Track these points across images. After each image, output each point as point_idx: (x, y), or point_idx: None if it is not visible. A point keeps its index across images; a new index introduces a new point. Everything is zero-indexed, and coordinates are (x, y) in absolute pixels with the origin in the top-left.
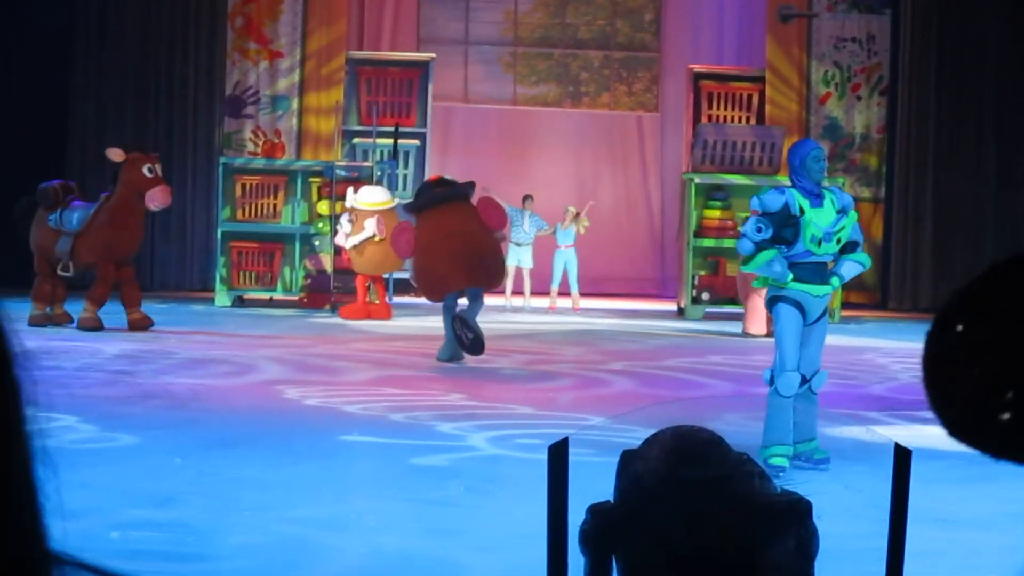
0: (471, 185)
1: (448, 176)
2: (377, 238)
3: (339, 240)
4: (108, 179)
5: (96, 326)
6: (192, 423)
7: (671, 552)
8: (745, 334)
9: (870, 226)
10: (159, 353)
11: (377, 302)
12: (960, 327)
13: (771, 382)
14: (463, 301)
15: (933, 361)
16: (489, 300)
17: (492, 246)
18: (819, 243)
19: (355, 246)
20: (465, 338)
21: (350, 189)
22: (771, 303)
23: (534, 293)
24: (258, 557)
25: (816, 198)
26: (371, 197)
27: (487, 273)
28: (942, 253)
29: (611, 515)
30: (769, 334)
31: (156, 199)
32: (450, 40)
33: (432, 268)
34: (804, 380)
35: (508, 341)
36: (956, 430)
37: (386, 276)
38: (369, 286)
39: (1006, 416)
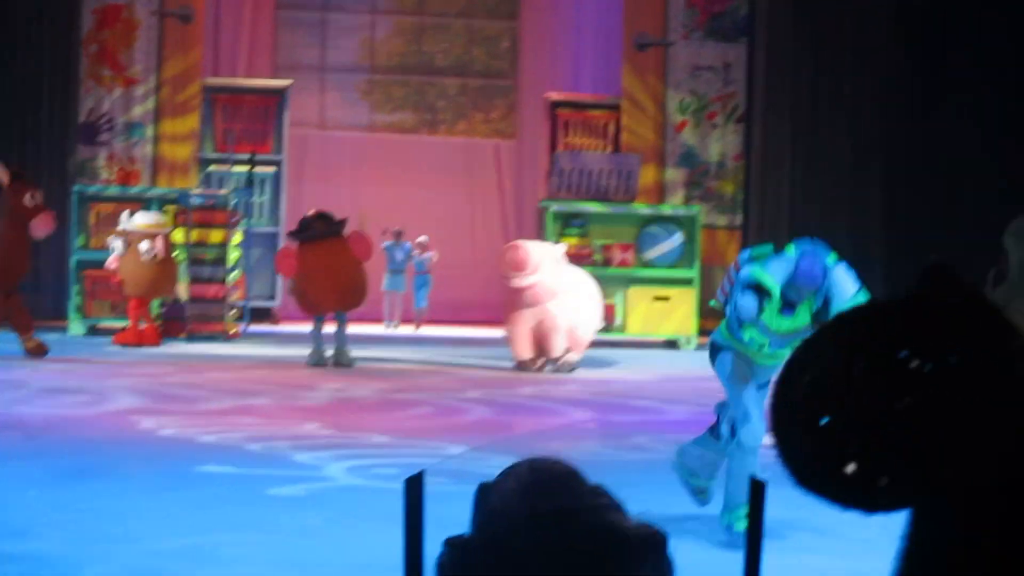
0: (343, 223)
1: (326, 211)
2: (158, 257)
3: (110, 263)
4: None
5: None
6: (46, 454)
7: None
8: (520, 365)
9: (726, 253)
10: (11, 383)
11: (145, 326)
12: (807, 378)
13: (732, 435)
14: None
15: (780, 411)
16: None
17: (357, 277)
18: (760, 348)
19: (124, 267)
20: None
21: (125, 212)
22: (713, 352)
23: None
24: None
25: (789, 308)
26: (146, 220)
27: (352, 299)
28: None
29: (468, 547)
30: (548, 360)
31: (41, 227)
32: (307, 67)
33: (307, 293)
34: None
35: (364, 369)
36: (803, 480)
37: (241, 303)
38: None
39: (851, 468)
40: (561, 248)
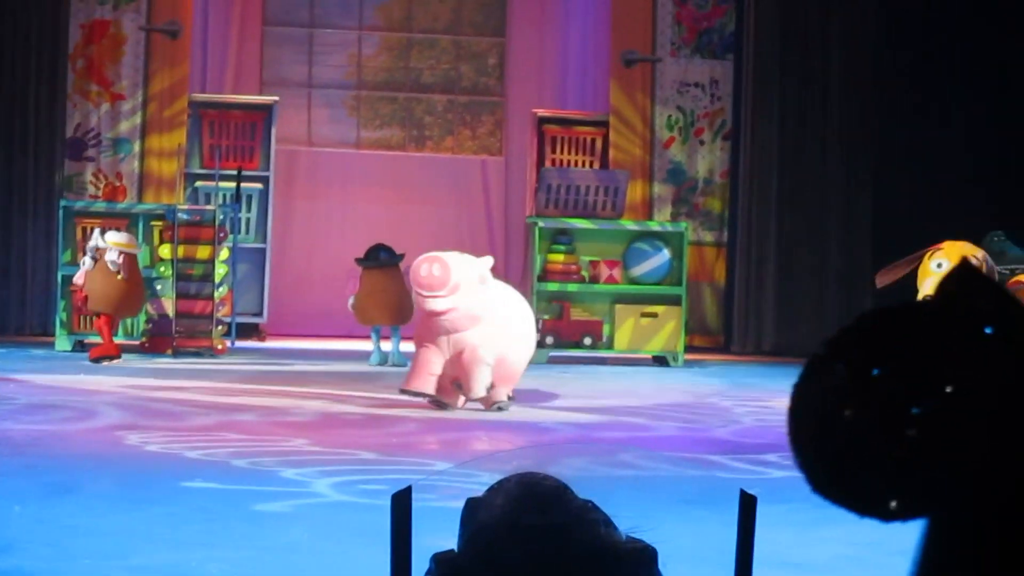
0: (401, 256)
1: (386, 243)
2: (120, 276)
3: (77, 278)
4: None
5: None
6: (30, 469)
7: None
8: (436, 404)
9: (713, 270)
10: None
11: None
12: (828, 381)
13: None
14: None
15: (798, 415)
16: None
17: (407, 298)
18: None
19: (90, 283)
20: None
21: (97, 230)
22: None
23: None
24: None
25: None
26: (118, 238)
27: (403, 316)
28: (784, 297)
29: (455, 563)
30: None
31: None
32: (294, 83)
33: (365, 309)
34: None
35: (352, 384)
36: (820, 487)
37: (227, 319)
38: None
39: (869, 475)
40: (487, 262)
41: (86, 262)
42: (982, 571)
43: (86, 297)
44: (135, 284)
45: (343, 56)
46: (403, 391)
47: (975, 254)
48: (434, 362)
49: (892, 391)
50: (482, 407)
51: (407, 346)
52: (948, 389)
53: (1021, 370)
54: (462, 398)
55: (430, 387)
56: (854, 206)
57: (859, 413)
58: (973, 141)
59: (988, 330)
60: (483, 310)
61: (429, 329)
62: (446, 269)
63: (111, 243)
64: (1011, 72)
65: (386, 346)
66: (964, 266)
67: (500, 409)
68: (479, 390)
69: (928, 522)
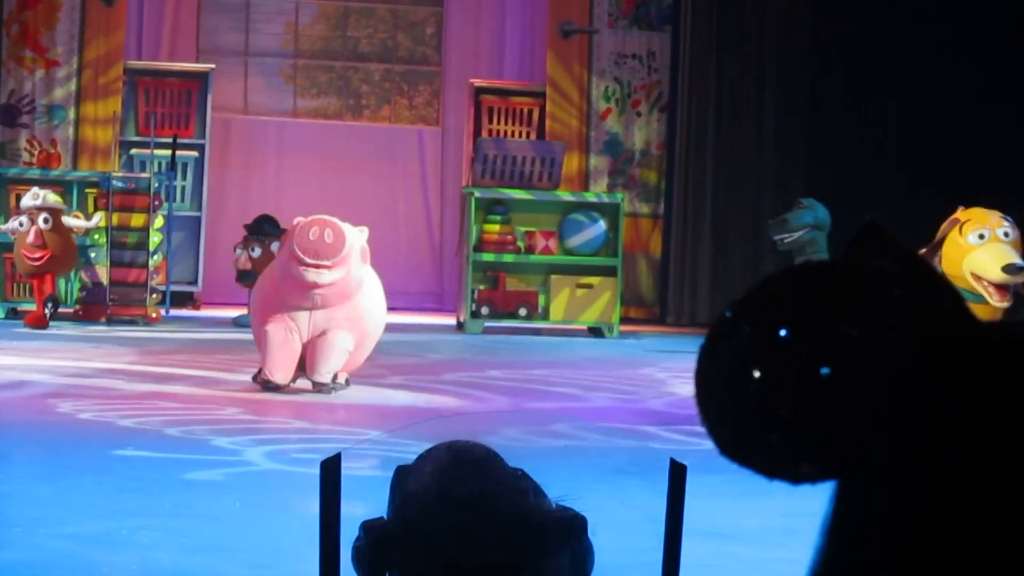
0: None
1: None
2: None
3: (34, 240)
4: None
5: None
6: None
7: (446, 569)
8: (265, 384)
9: (649, 241)
10: None
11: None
12: (734, 340)
13: None
14: None
15: (705, 377)
16: None
17: None
18: None
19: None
20: None
21: (35, 189)
22: None
23: None
24: (28, 573)
25: None
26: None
27: None
28: (719, 269)
29: (385, 532)
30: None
31: None
32: (230, 51)
33: None
34: None
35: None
36: (728, 449)
37: (162, 287)
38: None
39: (776, 436)
40: (365, 232)
41: (23, 223)
42: (891, 532)
43: (50, 257)
44: (66, 245)
45: (280, 24)
46: (266, 383)
47: (1000, 219)
48: (294, 345)
49: (798, 352)
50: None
51: None
52: (854, 349)
53: (926, 330)
54: (298, 379)
55: (289, 375)
56: (788, 180)
57: (765, 375)
58: (905, 115)
59: (895, 291)
60: (357, 288)
61: (289, 302)
62: (340, 236)
63: (55, 200)
64: (949, 49)
65: None
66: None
67: (333, 392)
68: (325, 376)
69: (836, 485)
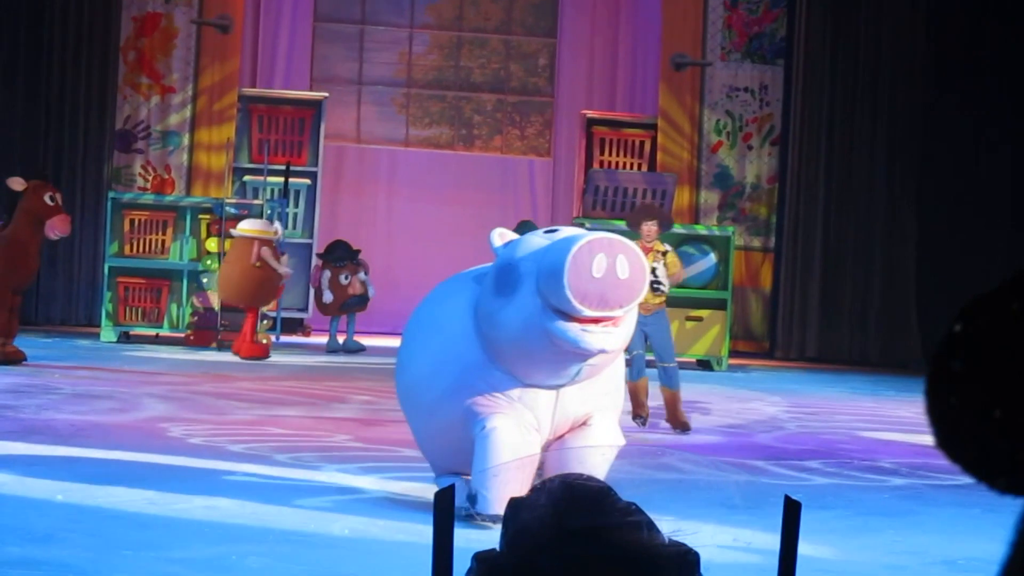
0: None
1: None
2: (257, 265)
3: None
4: (2, 208)
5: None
6: (73, 460)
7: None
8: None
9: (759, 275)
10: (42, 388)
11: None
12: (972, 336)
13: None
14: None
15: (937, 369)
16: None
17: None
18: None
19: (223, 273)
20: None
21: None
22: None
23: None
24: None
25: None
26: (251, 225)
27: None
28: (830, 303)
29: (498, 564)
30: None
31: (57, 228)
32: (343, 80)
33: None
34: None
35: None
36: (943, 442)
37: (272, 313)
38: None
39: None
40: None
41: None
42: None
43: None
44: (268, 273)
45: (393, 54)
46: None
47: None
48: (532, 452)
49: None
50: None
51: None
52: None
53: None
54: None
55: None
56: (899, 214)
57: (996, 372)
58: (1020, 155)
59: None
60: None
61: (529, 376)
62: (638, 269)
63: (244, 231)
64: None
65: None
66: None
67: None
68: None
69: None
